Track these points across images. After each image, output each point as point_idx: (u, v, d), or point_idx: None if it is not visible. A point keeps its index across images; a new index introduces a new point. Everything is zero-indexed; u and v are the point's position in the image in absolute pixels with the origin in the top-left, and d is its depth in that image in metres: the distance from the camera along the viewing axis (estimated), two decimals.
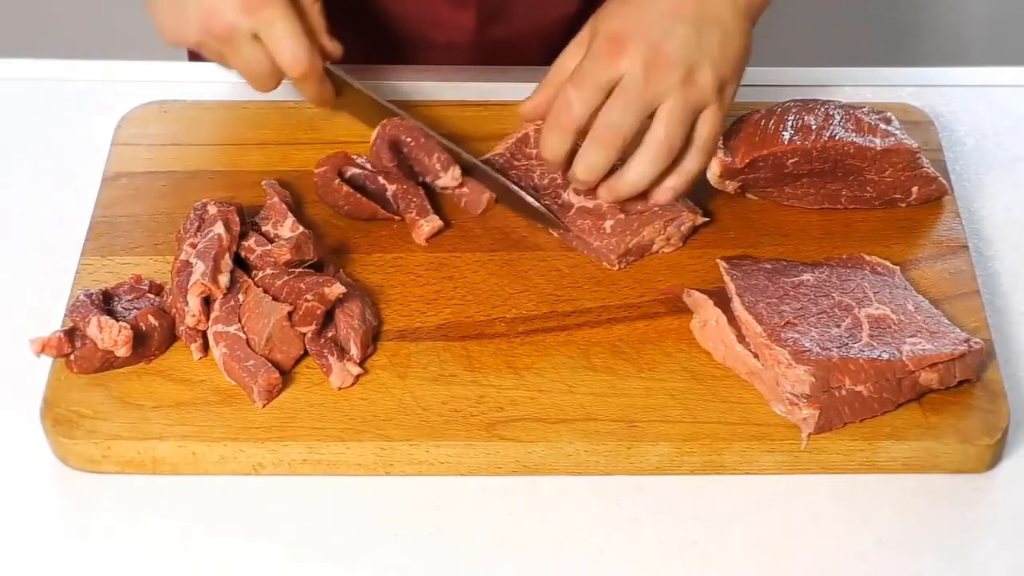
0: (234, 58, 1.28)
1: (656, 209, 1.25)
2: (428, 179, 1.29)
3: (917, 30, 2.67)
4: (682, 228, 1.25)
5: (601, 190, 1.25)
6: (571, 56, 1.25)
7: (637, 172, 1.22)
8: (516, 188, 1.27)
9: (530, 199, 1.26)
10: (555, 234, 1.27)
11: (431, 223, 1.26)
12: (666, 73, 1.19)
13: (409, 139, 1.29)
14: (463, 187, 1.29)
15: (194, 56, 1.56)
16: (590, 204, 1.27)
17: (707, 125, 1.23)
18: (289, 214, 1.24)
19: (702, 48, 1.20)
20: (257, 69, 1.28)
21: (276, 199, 1.25)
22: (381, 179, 1.28)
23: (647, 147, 1.21)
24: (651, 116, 1.21)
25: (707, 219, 1.26)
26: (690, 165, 1.24)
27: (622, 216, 1.25)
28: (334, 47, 1.32)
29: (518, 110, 1.30)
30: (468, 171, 1.29)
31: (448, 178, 1.28)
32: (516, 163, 1.31)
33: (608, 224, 1.25)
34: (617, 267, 1.24)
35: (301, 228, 1.23)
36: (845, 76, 1.45)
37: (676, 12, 1.21)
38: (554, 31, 1.52)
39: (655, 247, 1.26)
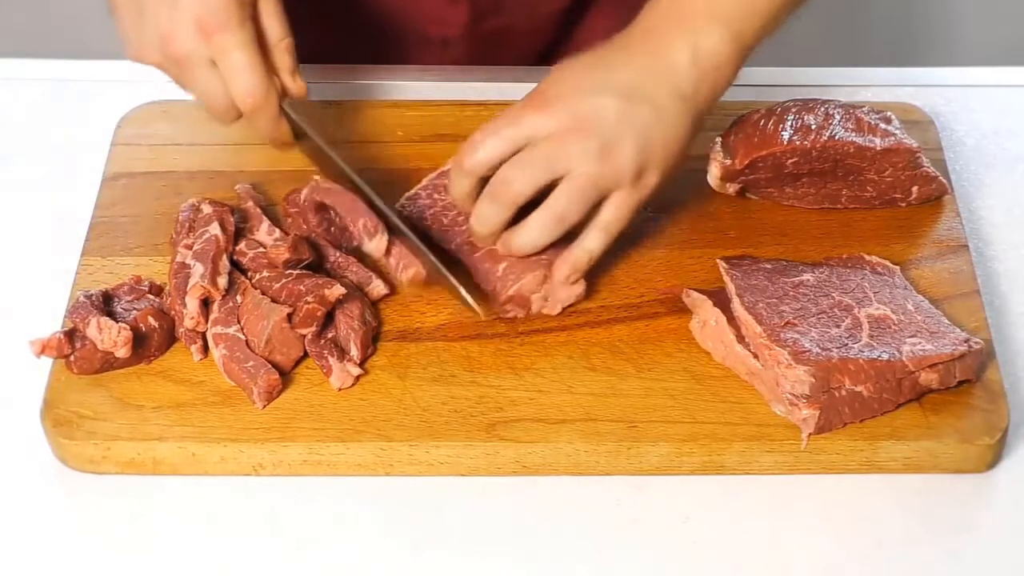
0: (191, 84, 1.22)
1: (543, 259, 1.20)
2: (356, 244, 1.23)
3: (917, 30, 2.67)
4: (560, 295, 1.20)
5: (498, 243, 1.20)
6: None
7: (526, 236, 1.18)
8: (445, 271, 1.20)
9: (456, 284, 1.19)
10: (481, 315, 1.19)
11: (376, 289, 1.22)
12: (580, 142, 1.14)
13: (335, 203, 1.23)
14: (390, 255, 1.21)
15: None
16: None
17: (613, 207, 1.17)
18: (264, 218, 1.24)
19: (628, 125, 1.15)
20: (213, 98, 1.21)
21: (250, 203, 1.25)
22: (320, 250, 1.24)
23: (541, 212, 1.17)
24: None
25: (581, 291, 1.21)
26: (589, 243, 1.18)
27: (515, 261, 1.20)
28: (297, 87, 1.25)
29: None
30: (397, 234, 1.22)
31: (373, 246, 1.21)
32: (436, 197, 1.26)
33: (500, 267, 1.21)
34: (506, 315, 1.20)
35: (277, 231, 1.22)
36: (845, 76, 1.45)
37: (609, 84, 1.16)
38: (547, 26, 1.52)
39: (534, 306, 1.20)
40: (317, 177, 1.24)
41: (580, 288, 1.21)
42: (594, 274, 1.22)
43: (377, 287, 1.21)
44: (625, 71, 1.17)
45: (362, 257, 1.23)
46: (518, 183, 1.16)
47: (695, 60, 1.17)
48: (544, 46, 1.54)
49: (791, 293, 1.18)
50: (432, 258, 1.20)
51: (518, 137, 1.16)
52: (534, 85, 1.31)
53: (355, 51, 1.41)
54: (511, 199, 1.17)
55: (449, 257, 1.22)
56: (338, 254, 1.23)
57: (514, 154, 1.16)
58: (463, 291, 1.18)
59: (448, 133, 1.35)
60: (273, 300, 1.17)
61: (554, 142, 1.15)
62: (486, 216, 1.18)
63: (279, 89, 1.22)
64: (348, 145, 1.33)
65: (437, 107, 1.39)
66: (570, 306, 1.21)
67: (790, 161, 1.26)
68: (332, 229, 1.24)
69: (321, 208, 1.24)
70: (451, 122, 1.37)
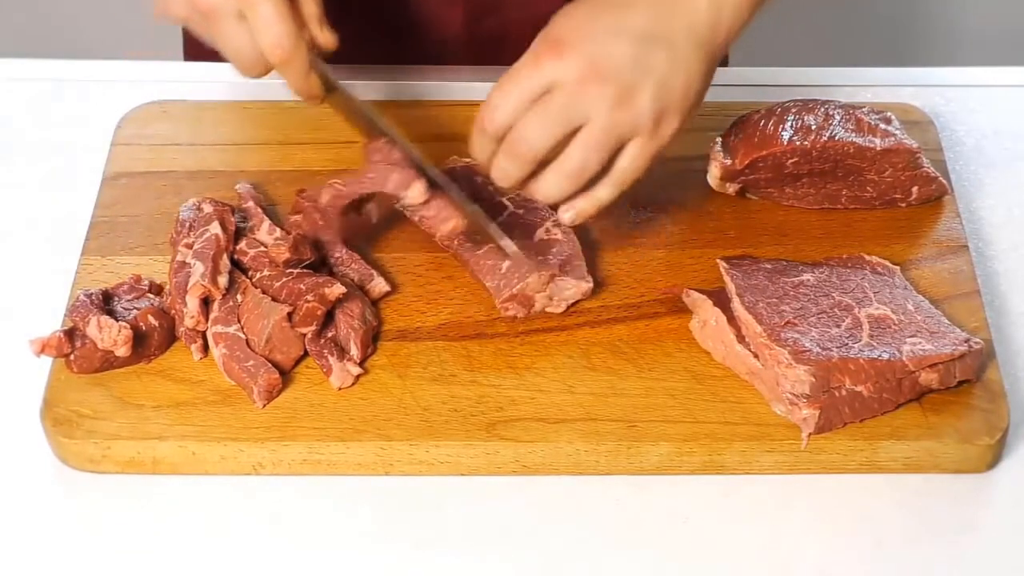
0: (219, 38, 1.19)
1: (550, 259, 1.20)
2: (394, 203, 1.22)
3: (917, 30, 2.67)
4: (565, 293, 1.21)
5: (524, 191, 1.19)
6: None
7: (544, 189, 1.16)
8: (487, 221, 1.19)
9: (499, 234, 1.18)
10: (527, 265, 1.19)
11: (378, 286, 1.22)
12: (597, 89, 1.11)
13: (372, 158, 1.22)
14: (428, 207, 1.20)
15: (192, 55, 1.56)
16: (504, 242, 1.21)
17: (629, 158, 1.14)
18: (265, 217, 1.24)
19: (645, 70, 1.12)
20: (241, 51, 1.18)
21: (251, 202, 1.25)
22: (322, 250, 1.23)
23: (558, 166, 1.15)
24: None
25: (590, 285, 1.21)
26: (600, 193, 1.16)
27: (520, 260, 1.20)
28: (327, 38, 1.22)
29: None
30: (438, 188, 1.21)
31: (412, 194, 1.19)
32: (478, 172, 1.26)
33: (504, 265, 1.21)
34: (507, 313, 1.20)
35: (278, 231, 1.22)
36: (845, 76, 1.45)
37: (624, 26, 1.12)
38: (545, 24, 1.51)
39: (538, 304, 1.20)
40: (337, 182, 1.23)
41: (587, 286, 1.21)
42: (597, 273, 1.23)
43: (379, 284, 1.21)
44: (640, 11, 1.14)
45: (365, 254, 1.23)
46: (536, 139, 1.13)
47: (713, 3, 1.14)
48: None
49: (791, 293, 1.18)
50: (474, 207, 1.19)
51: (535, 88, 1.13)
52: None
53: (353, 52, 1.40)
54: (531, 156, 1.14)
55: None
56: (343, 250, 1.23)
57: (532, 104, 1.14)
58: (507, 241, 1.17)
59: (447, 133, 1.35)
60: (273, 299, 1.17)
61: (570, 91, 1.12)
62: (507, 172, 1.15)
63: (308, 41, 1.20)
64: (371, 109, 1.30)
65: (437, 107, 1.39)
66: (573, 305, 1.21)
67: (790, 161, 1.26)
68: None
69: (347, 210, 1.23)
70: (450, 122, 1.36)
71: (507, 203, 1.26)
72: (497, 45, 1.49)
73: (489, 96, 1.15)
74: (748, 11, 1.16)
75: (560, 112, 1.12)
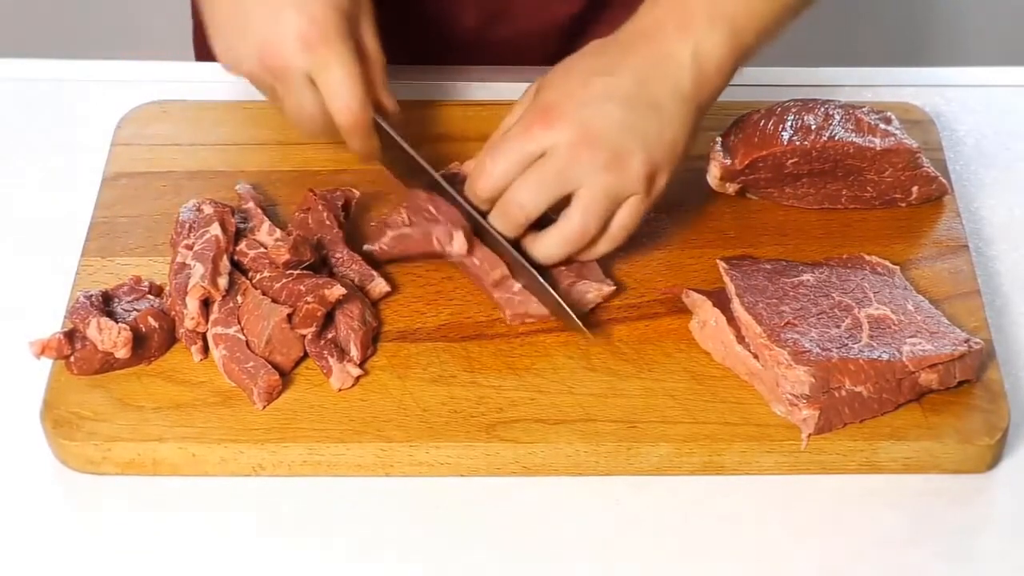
0: (286, 97, 1.22)
1: (563, 267, 1.21)
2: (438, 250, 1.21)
3: (917, 30, 2.67)
4: (587, 297, 1.21)
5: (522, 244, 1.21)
6: (513, 117, 1.22)
7: (545, 250, 1.19)
8: (534, 272, 1.18)
9: (549, 288, 1.18)
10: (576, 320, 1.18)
11: (378, 287, 1.21)
12: (590, 155, 1.15)
13: (413, 208, 1.22)
14: (472, 256, 1.20)
15: (203, 57, 1.56)
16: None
17: (626, 215, 1.18)
18: (265, 218, 1.24)
19: (635, 133, 1.15)
20: (307, 112, 1.21)
21: (251, 203, 1.25)
22: (323, 249, 1.23)
23: (560, 229, 1.18)
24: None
25: (612, 288, 1.21)
26: (598, 249, 1.20)
27: (531, 285, 1.20)
28: (391, 104, 1.25)
29: None
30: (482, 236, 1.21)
31: (455, 247, 1.20)
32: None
33: (517, 286, 1.21)
34: (512, 323, 1.20)
35: (278, 231, 1.22)
36: (845, 76, 1.45)
37: (613, 92, 1.16)
38: (557, 31, 1.51)
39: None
40: (383, 243, 1.22)
41: (609, 289, 1.21)
42: (613, 272, 1.24)
43: (379, 285, 1.21)
44: (626, 74, 1.17)
45: (366, 254, 1.24)
46: (530, 204, 1.17)
47: (696, 61, 1.17)
48: (555, 53, 1.53)
49: (791, 293, 1.18)
50: (522, 260, 1.19)
51: (527, 155, 1.16)
52: (527, 86, 1.31)
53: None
54: (523, 218, 1.18)
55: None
56: (344, 251, 1.23)
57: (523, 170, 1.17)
58: (558, 298, 1.17)
59: (447, 132, 1.35)
60: (273, 300, 1.17)
61: (564, 158, 1.15)
62: (500, 230, 1.19)
63: (373, 105, 1.22)
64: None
65: (437, 107, 1.39)
66: (592, 309, 1.21)
67: (790, 161, 1.26)
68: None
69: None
70: (453, 122, 1.36)
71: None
72: (507, 53, 1.49)
73: (481, 160, 1.18)
74: (730, 70, 1.19)
75: (554, 177, 1.16)
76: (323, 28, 1.18)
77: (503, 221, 1.19)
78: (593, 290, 1.21)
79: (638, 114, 1.16)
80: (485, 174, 1.18)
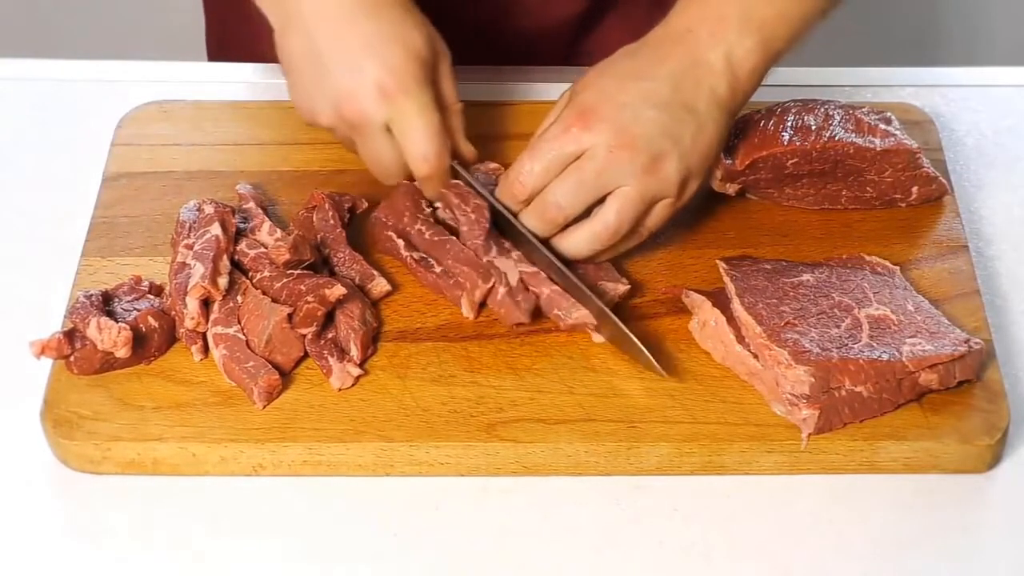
0: (363, 146, 1.22)
1: (579, 268, 1.21)
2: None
3: (917, 30, 2.67)
4: (603, 297, 1.20)
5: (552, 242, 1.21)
6: (550, 119, 1.22)
7: (575, 245, 1.19)
8: (615, 319, 1.17)
9: (631, 336, 1.16)
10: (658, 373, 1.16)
11: (379, 286, 1.22)
12: (629, 158, 1.16)
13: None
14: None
15: (216, 58, 1.56)
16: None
17: (656, 218, 1.20)
18: (266, 218, 1.24)
19: (672, 137, 1.17)
20: (385, 160, 1.21)
21: (252, 203, 1.25)
22: (325, 249, 1.23)
23: (592, 225, 1.18)
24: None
25: (627, 287, 1.21)
26: (623, 247, 1.21)
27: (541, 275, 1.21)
28: (469, 151, 1.25)
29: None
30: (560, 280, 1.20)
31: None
32: None
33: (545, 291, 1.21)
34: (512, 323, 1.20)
35: (279, 231, 1.22)
36: (845, 76, 1.45)
37: (651, 96, 1.17)
38: (562, 30, 1.51)
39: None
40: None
41: (624, 287, 1.21)
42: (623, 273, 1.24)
43: (380, 284, 1.22)
44: (662, 79, 1.18)
45: (367, 254, 1.24)
46: (569, 206, 1.18)
47: (729, 67, 1.18)
48: (558, 52, 1.53)
49: (791, 293, 1.18)
50: (551, 257, 1.19)
51: (565, 156, 1.17)
52: (536, 85, 1.31)
53: None
54: (560, 219, 1.19)
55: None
56: (346, 250, 1.23)
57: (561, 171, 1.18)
58: (638, 343, 1.16)
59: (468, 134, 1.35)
60: (273, 300, 1.17)
61: (603, 160, 1.16)
62: (534, 230, 1.20)
63: (451, 152, 1.22)
64: None
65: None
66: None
67: (790, 162, 1.26)
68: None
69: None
70: (472, 123, 1.36)
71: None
72: (511, 52, 1.49)
73: (520, 161, 1.19)
74: (763, 70, 1.21)
75: (593, 179, 1.16)
76: (401, 78, 1.18)
77: (540, 221, 1.19)
78: (610, 289, 1.21)
79: (675, 119, 1.17)
80: (525, 173, 1.19)
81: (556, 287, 1.19)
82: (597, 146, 1.16)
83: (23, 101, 1.43)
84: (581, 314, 1.17)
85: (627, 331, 1.16)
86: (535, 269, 1.20)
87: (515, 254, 1.21)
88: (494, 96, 1.40)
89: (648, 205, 1.18)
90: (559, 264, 1.19)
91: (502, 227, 1.22)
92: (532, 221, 1.20)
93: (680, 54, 1.19)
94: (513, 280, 1.19)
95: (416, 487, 1.13)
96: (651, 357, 1.15)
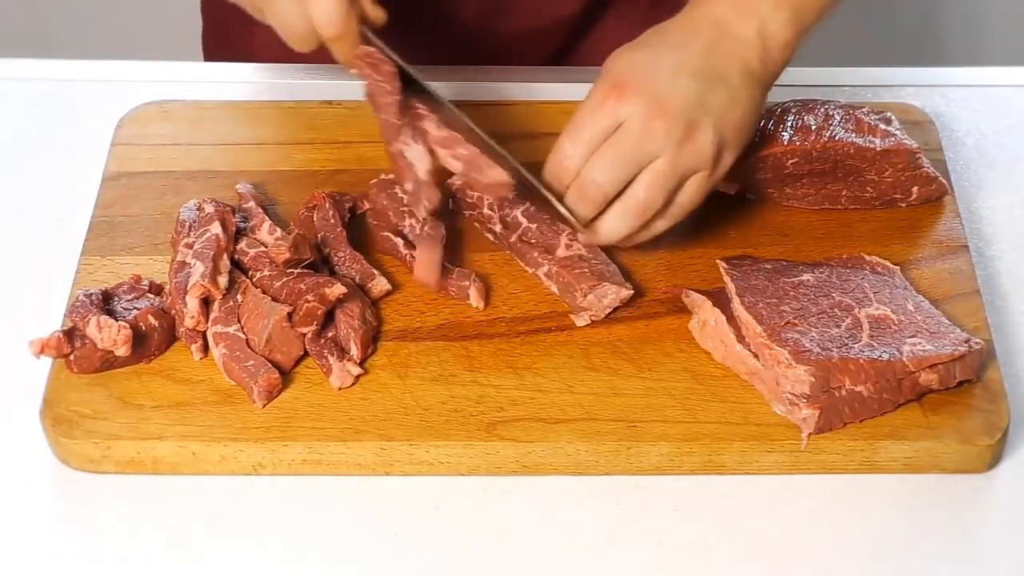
0: (271, 13, 1.20)
1: (585, 271, 1.21)
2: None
3: (917, 30, 2.67)
4: (604, 300, 1.21)
5: (579, 235, 1.21)
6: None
7: (610, 228, 1.18)
8: (535, 181, 1.19)
9: (547, 194, 1.18)
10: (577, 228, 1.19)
11: (379, 286, 1.22)
12: (665, 128, 1.15)
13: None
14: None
15: (212, 57, 1.56)
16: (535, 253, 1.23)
17: (689, 192, 1.18)
18: (266, 217, 1.24)
19: (706, 108, 1.16)
20: (293, 26, 1.18)
21: (252, 203, 1.25)
22: (325, 248, 1.24)
23: (624, 203, 1.17)
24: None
25: (631, 292, 1.21)
26: (657, 226, 1.20)
27: (554, 269, 1.22)
28: (376, 14, 1.22)
29: None
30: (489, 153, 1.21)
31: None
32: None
33: (541, 272, 1.23)
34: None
35: (279, 230, 1.22)
36: (845, 76, 1.45)
37: (683, 66, 1.16)
38: (557, 30, 1.51)
39: (579, 322, 1.20)
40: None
41: (628, 292, 1.21)
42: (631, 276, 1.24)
43: (380, 283, 1.21)
44: (696, 51, 1.17)
45: (367, 253, 1.24)
46: (606, 181, 1.16)
47: (762, 40, 1.18)
48: (554, 52, 1.53)
49: (791, 293, 1.18)
50: (569, 216, 1.18)
51: (604, 129, 1.16)
52: (533, 85, 1.31)
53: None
54: (601, 197, 1.17)
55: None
56: (347, 249, 1.23)
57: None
58: (556, 203, 1.17)
59: None
60: (273, 299, 1.17)
61: (639, 130, 1.15)
62: (576, 211, 1.18)
63: (359, 16, 1.20)
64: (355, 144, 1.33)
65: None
66: (612, 312, 1.21)
67: (790, 162, 1.26)
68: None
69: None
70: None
71: (521, 218, 1.25)
72: (507, 51, 1.49)
73: (560, 144, 1.18)
74: (795, 45, 1.20)
75: (630, 152, 1.15)
76: None
77: (581, 202, 1.17)
78: (612, 292, 1.20)
79: (709, 88, 1.16)
80: (567, 157, 1.17)
81: (474, 148, 1.18)
82: (633, 115, 1.15)
83: (23, 101, 1.43)
84: (496, 172, 1.17)
85: (544, 190, 1.16)
86: (452, 133, 1.18)
87: (432, 118, 1.19)
88: (491, 96, 1.40)
89: (680, 179, 1.17)
90: (473, 126, 1.18)
91: (416, 90, 1.21)
92: (575, 204, 1.18)
93: (712, 27, 1.18)
94: (422, 171, 1.18)
95: (416, 487, 1.13)
96: (569, 215, 1.16)
